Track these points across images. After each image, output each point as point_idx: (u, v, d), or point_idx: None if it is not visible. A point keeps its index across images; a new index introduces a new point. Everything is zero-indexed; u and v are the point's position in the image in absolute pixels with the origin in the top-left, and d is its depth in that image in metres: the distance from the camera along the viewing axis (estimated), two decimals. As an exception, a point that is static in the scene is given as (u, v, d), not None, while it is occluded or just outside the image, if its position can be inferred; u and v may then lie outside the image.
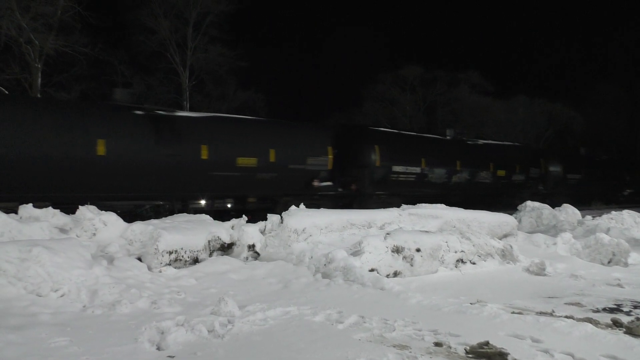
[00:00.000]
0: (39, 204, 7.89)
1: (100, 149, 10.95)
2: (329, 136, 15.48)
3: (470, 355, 3.60)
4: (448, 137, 21.31)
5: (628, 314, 4.89)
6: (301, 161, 14.36)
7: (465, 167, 19.66)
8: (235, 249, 7.52)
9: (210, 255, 7.19)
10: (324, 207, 13.17)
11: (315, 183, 14.66)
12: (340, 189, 15.64)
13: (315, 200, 14.55)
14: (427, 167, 18.18)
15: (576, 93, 42.97)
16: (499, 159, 21.61)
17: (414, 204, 15.08)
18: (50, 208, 7.83)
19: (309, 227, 7.72)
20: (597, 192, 27.91)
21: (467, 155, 20.26)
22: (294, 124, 16.73)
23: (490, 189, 21.10)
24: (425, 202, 15.44)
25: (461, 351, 3.67)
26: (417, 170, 17.86)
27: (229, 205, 13.32)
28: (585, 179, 27.09)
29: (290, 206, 8.25)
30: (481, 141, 22.93)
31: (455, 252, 7.17)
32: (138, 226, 7.42)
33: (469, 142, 21.74)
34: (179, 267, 6.60)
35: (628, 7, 62.63)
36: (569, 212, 12.60)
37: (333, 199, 15.27)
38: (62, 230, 7.27)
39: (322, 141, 15.16)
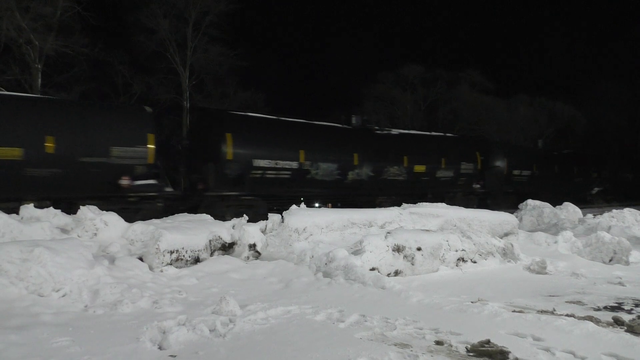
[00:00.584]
0: None
1: None
2: (149, 120, 12.15)
3: (471, 354, 3.60)
4: (347, 126, 17.38)
5: (629, 312, 4.89)
6: (101, 152, 11.10)
7: (366, 162, 16.15)
8: (236, 248, 7.52)
9: (212, 254, 7.20)
10: (146, 213, 11.11)
11: (124, 182, 11.36)
12: (169, 189, 12.35)
13: (133, 204, 11.67)
14: (309, 161, 14.61)
15: (577, 91, 43.03)
16: (417, 151, 18.01)
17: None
18: (51, 208, 7.86)
19: (309, 226, 7.73)
20: (554, 191, 23.25)
21: (371, 147, 16.61)
22: (88, 103, 13.35)
23: (406, 188, 17.55)
24: (313, 204, 13.50)
25: (462, 350, 3.68)
26: (294, 165, 14.35)
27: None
28: (538, 176, 23.55)
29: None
30: (396, 130, 19.03)
31: (456, 250, 7.18)
32: (139, 226, 7.43)
33: (377, 132, 17.81)
34: (180, 267, 6.61)
35: (630, 4, 62.58)
36: (569, 211, 12.61)
37: (164, 201, 12.11)
38: (64, 230, 7.29)
39: (136, 126, 11.76)
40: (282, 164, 14.17)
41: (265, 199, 13.91)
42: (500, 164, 21.70)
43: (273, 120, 15.46)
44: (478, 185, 20.50)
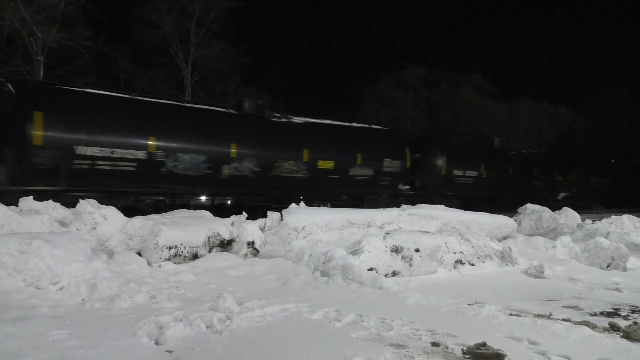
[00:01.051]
0: None
1: None
2: None
3: (467, 356, 3.61)
4: (233, 111, 14.24)
5: (625, 318, 4.89)
6: None
7: (249, 154, 13.39)
8: (235, 245, 7.53)
9: (210, 251, 7.20)
10: None
11: None
12: None
13: None
14: (162, 151, 11.96)
15: (579, 96, 43.03)
16: (322, 144, 15.10)
17: (142, 211, 10.94)
18: (50, 201, 7.85)
19: (308, 225, 7.74)
20: (509, 196, 20.92)
21: (258, 137, 13.79)
22: None
23: (307, 187, 14.73)
24: (171, 207, 11.17)
25: (458, 352, 3.68)
26: (140, 155, 11.72)
27: None
28: (487, 178, 20.50)
29: None
30: (299, 119, 15.52)
31: (454, 253, 7.18)
32: (138, 221, 7.44)
33: (272, 119, 14.69)
34: (178, 263, 6.61)
35: (632, 10, 62.57)
36: (568, 216, 12.63)
37: None
38: (63, 223, 7.29)
39: None
40: (121, 153, 11.38)
41: (101, 196, 10.92)
42: (438, 162, 18.86)
43: (110, 98, 12.22)
44: (407, 187, 17.76)
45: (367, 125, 17.90)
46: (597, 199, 26.41)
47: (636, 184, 30.87)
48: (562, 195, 25.12)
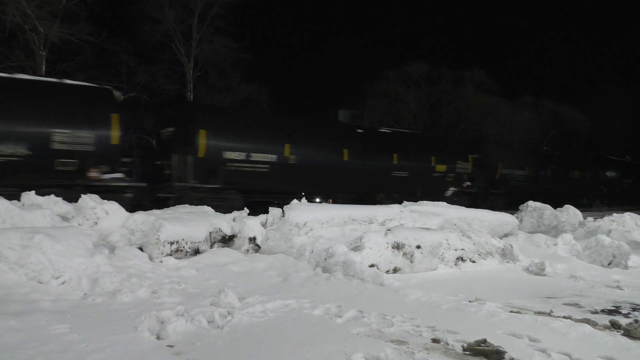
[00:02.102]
0: None
1: None
2: None
3: (467, 353, 3.61)
4: None
5: (626, 316, 4.89)
6: None
7: None
8: (236, 241, 7.54)
9: (211, 246, 7.21)
10: None
11: None
12: None
13: None
14: None
15: (581, 95, 42.91)
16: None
17: None
18: (52, 196, 7.86)
19: (310, 221, 7.75)
20: (348, 189, 15.18)
21: None
22: None
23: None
24: None
25: (458, 348, 3.69)
26: None
27: None
28: (298, 166, 14.60)
29: None
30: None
31: (456, 250, 7.18)
32: (140, 216, 7.44)
33: None
34: (179, 258, 6.63)
35: (632, 10, 62.31)
36: (570, 213, 12.60)
37: None
38: (64, 218, 7.30)
39: None
40: None
41: None
42: (193, 140, 12.75)
43: None
44: (119, 175, 11.43)
45: (23, 77, 11.29)
46: (508, 195, 20.73)
47: (565, 179, 25.15)
48: (450, 191, 19.39)
